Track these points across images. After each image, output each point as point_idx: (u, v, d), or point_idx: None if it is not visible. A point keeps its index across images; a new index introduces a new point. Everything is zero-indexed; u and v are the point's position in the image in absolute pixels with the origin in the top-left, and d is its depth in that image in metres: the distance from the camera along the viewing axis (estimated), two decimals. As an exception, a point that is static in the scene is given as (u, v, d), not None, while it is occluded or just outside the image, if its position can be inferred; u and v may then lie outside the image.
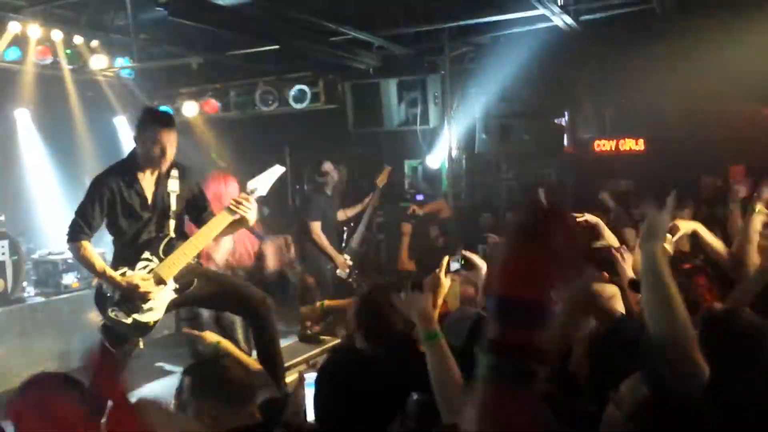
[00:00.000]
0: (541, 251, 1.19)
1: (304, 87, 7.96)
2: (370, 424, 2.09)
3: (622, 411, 1.88)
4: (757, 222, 3.79)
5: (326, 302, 5.16)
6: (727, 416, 1.87)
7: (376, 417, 2.08)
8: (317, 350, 5.48)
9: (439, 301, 2.84)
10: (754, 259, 3.65)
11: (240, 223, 4.02)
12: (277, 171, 4.16)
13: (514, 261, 1.21)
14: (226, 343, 3.10)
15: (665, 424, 1.79)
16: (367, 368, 2.19)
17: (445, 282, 2.83)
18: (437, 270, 2.79)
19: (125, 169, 3.95)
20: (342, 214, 6.91)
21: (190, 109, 8.19)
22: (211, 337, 3.12)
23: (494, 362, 1.17)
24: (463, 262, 3.03)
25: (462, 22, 6.90)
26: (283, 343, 5.24)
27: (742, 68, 6.51)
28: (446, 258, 2.96)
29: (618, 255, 3.50)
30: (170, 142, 3.89)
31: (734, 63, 6.51)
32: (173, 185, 4.02)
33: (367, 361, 2.23)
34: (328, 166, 6.72)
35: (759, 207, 3.83)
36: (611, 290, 2.96)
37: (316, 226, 6.57)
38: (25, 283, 6.38)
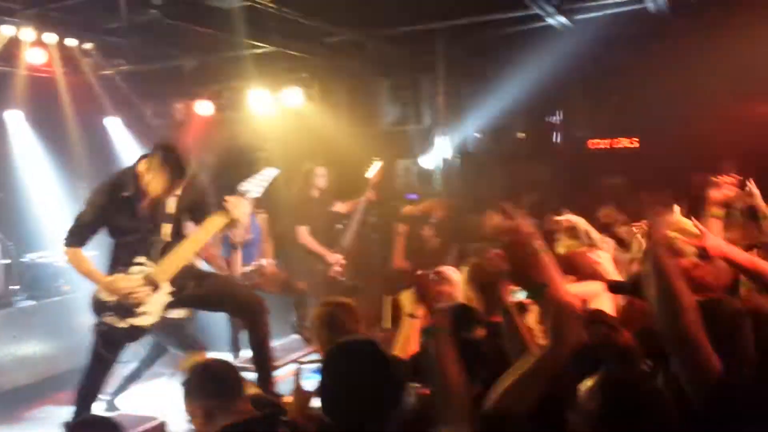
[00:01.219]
0: None
1: (298, 87, 7.95)
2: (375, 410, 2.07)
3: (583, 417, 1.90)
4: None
5: None
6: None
7: (381, 402, 2.07)
8: (310, 349, 5.48)
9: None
10: None
11: (233, 223, 4.04)
12: (269, 174, 4.17)
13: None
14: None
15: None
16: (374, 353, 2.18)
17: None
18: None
19: (126, 183, 3.90)
20: (335, 209, 6.83)
21: (183, 110, 8.16)
22: None
23: None
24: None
25: (456, 21, 6.87)
26: (276, 342, 5.24)
27: (734, 66, 6.52)
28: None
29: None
30: (180, 187, 3.91)
31: (727, 60, 6.52)
32: None
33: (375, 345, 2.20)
34: (314, 168, 6.65)
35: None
36: (594, 288, 2.93)
37: (304, 230, 6.50)
38: (16, 287, 6.34)
